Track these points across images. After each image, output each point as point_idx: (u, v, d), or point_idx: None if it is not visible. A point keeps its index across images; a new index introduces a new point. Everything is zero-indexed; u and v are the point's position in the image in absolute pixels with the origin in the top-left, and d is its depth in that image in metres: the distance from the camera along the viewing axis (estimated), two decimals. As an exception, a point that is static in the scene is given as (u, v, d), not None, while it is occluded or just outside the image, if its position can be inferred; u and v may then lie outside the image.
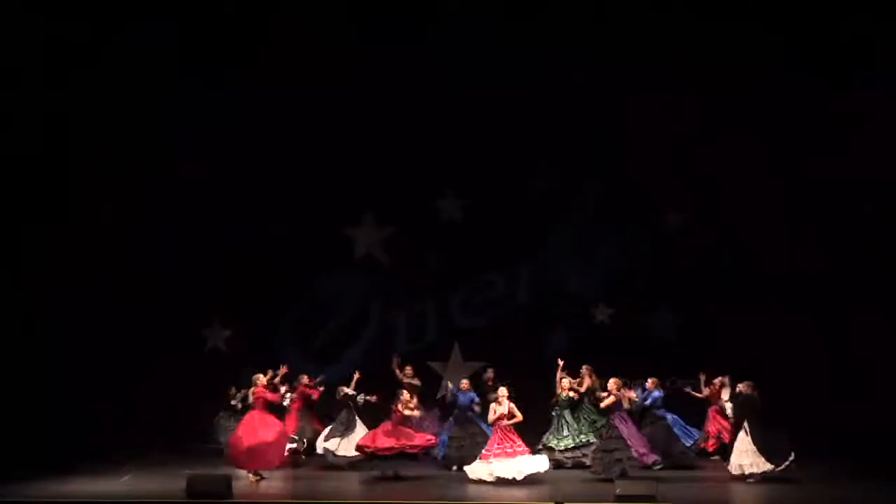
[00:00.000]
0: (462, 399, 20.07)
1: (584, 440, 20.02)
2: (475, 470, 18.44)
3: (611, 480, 17.55)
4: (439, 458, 20.20)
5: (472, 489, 18.03)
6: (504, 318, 24.10)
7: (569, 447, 20.02)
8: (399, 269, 24.23)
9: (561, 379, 20.48)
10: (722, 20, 22.42)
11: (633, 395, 19.90)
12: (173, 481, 18.11)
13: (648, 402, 20.28)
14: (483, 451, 18.63)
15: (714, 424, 21.00)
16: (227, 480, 17.46)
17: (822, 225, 22.57)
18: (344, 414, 20.34)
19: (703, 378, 21.14)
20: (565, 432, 20.16)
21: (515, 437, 18.53)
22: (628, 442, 18.79)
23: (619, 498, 16.73)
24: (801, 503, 17.37)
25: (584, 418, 20.29)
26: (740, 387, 18.82)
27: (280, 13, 22.71)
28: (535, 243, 24.17)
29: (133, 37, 22.25)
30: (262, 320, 23.81)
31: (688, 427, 20.44)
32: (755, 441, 18.28)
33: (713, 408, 21.03)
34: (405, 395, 19.18)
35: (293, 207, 23.69)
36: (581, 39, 22.66)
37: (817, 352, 22.19)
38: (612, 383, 19.12)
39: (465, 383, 20.32)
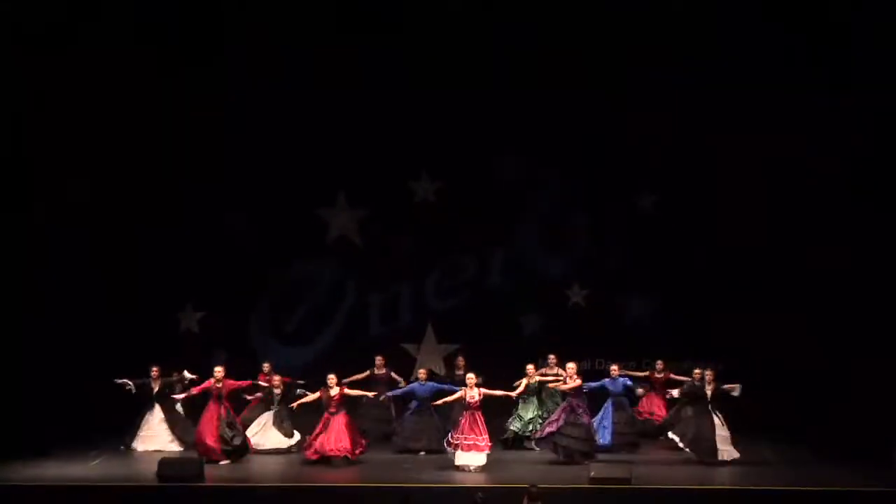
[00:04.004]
0: (421, 390, 19.50)
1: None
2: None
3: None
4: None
5: (444, 475, 17.72)
6: (478, 300, 23.85)
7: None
8: (373, 251, 23.94)
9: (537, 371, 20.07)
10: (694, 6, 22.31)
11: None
12: (144, 465, 17.78)
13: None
14: (451, 438, 18.18)
15: (650, 405, 20.80)
16: (199, 464, 17.26)
17: (800, 208, 22.46)
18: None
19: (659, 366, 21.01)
20: (530, 413, 19.83)
21: (482, 429, 18.01)
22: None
23: (593, 481, 16.54)
24: (770, 483, 17.23)
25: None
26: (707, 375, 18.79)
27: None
28: (511, 224, 23.95)
29: (111, 28, 22.05)
30: (235, 303, 23.42)
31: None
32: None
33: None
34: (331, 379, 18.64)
35: (267, 190, 23.29)
36: (555, 26, 22.47)
37: (795, 334, 21.96)
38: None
39: (422, 373, 19.80)
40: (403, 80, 22.67)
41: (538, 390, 19.91)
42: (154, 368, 19.90)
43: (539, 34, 22.45)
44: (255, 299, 23.85)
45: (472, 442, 17.86)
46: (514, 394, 19.19)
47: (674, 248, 23.20)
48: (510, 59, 22.50)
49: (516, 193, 23.73)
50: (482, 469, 17.78)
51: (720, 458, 18.35)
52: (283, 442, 19.51)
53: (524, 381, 19.47)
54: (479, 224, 23.52)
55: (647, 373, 21.14)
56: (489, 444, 18.03)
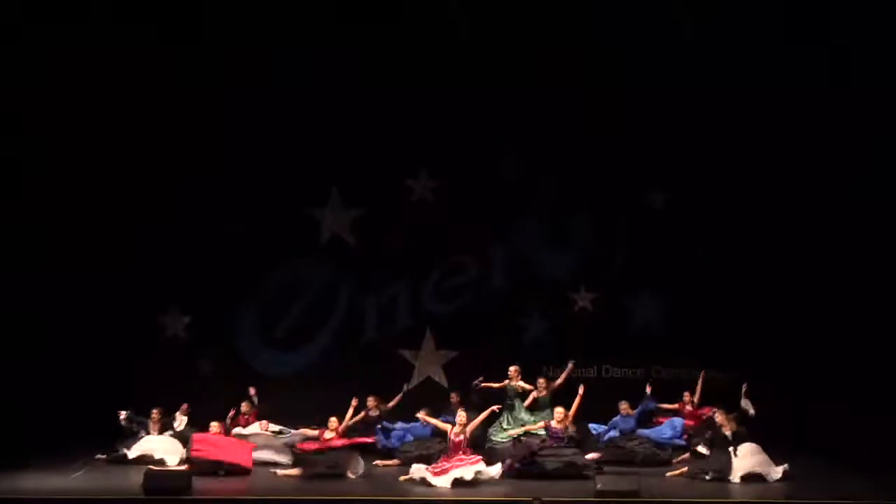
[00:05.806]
0: (421, 431, 17.86)
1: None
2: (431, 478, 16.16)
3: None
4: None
5: (444, 487, 15.93)
6: (479, 303, 22.11)
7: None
8: (368, 251, 22.21)
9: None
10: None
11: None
12: (130, 476, 16.25)
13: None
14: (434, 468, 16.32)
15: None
16: (187, 476, 15.80)
17: (800, 208, 20.96)
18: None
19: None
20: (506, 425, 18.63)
21: (468, 452, 16.38)
22: None
23: (599, 494, 15.25)
24: (783, 496, 15.90)
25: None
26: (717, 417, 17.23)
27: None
28: (511, 224, 22.25)
29: (110, 26, 20.58)
30: (222, 307, 21.68)
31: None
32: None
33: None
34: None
35: (257, 187, 21.60)
36: (555, 26, 20.93)
37: (806, 336, 20.46)
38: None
39: (422, 415, 17.58)
40: (402, 79, 21.23)
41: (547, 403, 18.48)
42: (154, 411, 18.15)
43: (539, 34, 21.09)
44: (244, 302, 22.05)
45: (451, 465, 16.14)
46: (497, 407, 17.65)
47: (674, 249, 21.71)
48: (510, 59, 21.14)
49: (517, 193, 22.17)
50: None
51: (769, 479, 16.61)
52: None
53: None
54: (479, 224, 21.95)
55: (676, 405, 19.29)
56: (480, 457, 16.47)
